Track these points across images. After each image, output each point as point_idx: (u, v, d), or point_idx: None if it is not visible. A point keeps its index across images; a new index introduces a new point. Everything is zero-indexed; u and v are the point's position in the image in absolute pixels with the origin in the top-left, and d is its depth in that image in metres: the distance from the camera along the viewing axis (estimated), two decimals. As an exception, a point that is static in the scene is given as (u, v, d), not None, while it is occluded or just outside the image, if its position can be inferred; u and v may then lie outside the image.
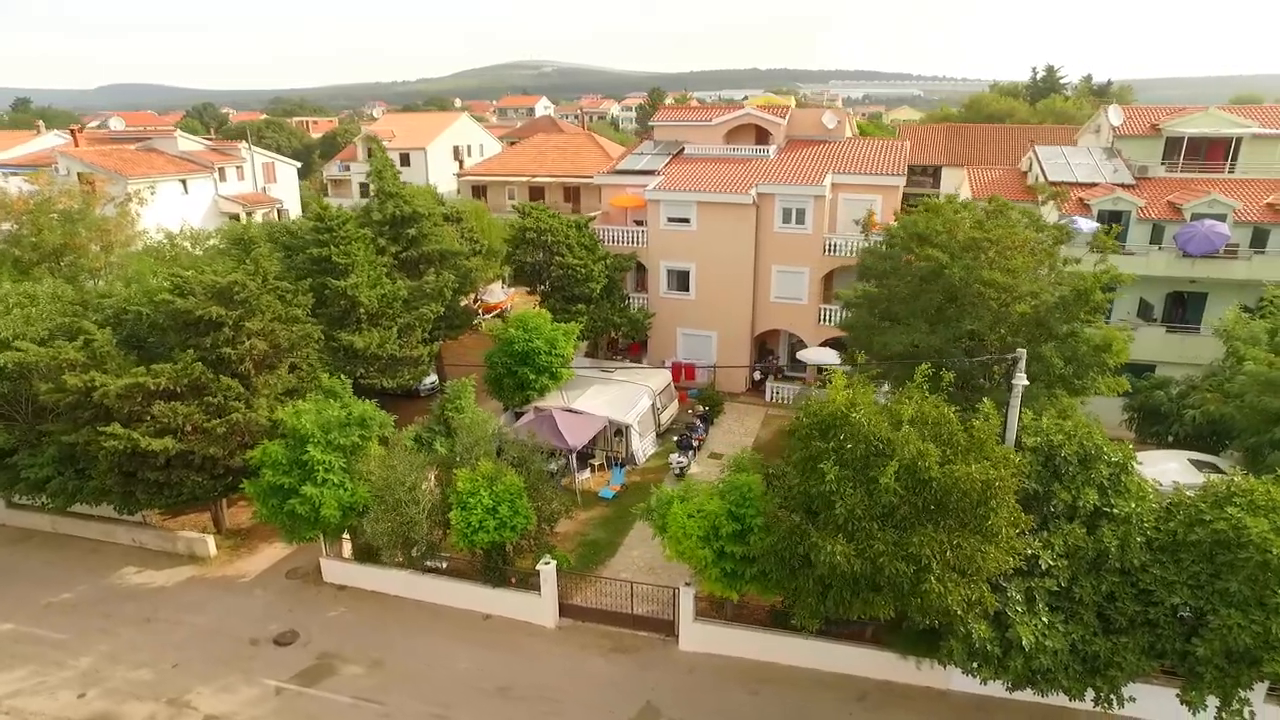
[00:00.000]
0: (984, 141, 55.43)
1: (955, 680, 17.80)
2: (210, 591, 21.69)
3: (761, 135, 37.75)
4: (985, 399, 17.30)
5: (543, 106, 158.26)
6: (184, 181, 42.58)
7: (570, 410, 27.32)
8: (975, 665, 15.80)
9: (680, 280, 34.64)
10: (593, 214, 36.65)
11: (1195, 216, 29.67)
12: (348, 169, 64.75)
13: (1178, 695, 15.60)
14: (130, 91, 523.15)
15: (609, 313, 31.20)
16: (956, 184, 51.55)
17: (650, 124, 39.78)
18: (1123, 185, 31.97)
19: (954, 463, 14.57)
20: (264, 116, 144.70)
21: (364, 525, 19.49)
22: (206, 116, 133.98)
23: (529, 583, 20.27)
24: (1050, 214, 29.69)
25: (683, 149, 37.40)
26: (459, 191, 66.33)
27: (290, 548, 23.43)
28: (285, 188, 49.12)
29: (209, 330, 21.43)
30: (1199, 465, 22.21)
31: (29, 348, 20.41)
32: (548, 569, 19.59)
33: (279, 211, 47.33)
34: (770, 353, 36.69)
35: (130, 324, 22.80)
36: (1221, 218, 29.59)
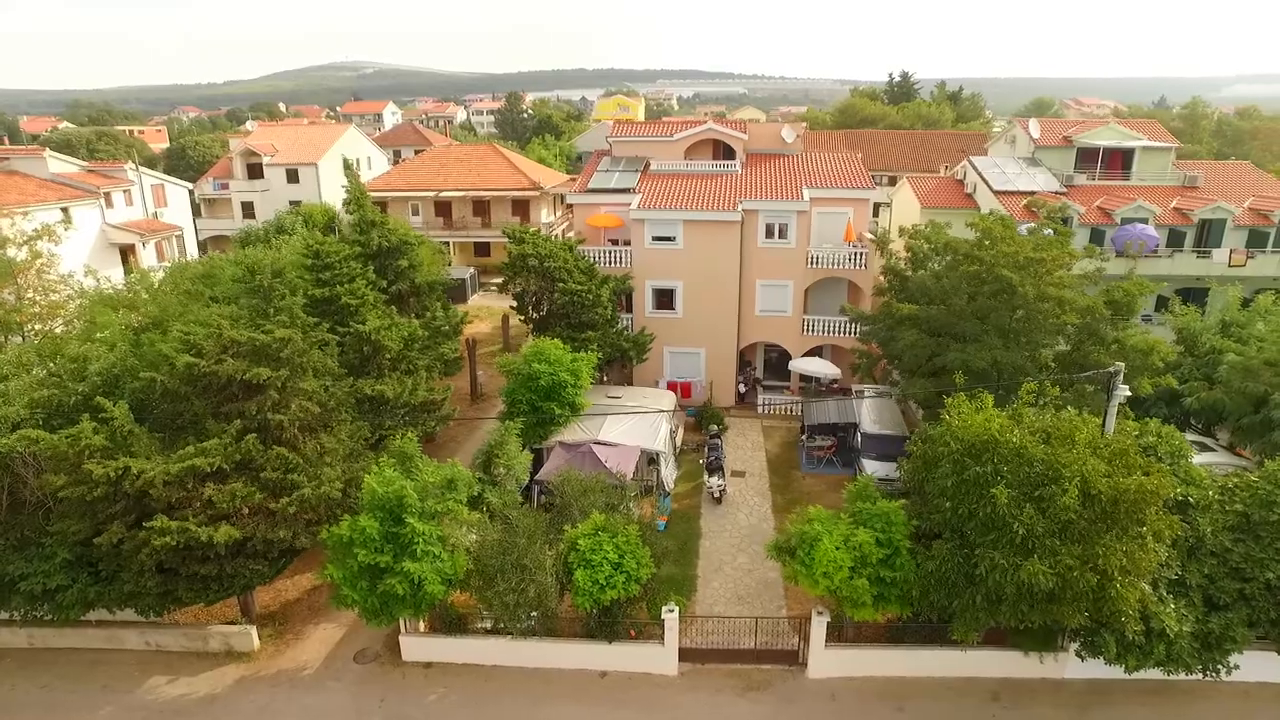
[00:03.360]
0: (885, 148, 59.50)
1: (1068, 670, 19.16)
2: (274, 692, 18.98)
3: (718, 149, 38.29)
4: (1068, 407, 18.78)
5: (390, 112, 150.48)
6: (65, 210, 36.61)
7: (603, 443, 26.48)
8: (1118, 654, 17.17)
9: (666, 299, 34.45)
10: (573, 236, 35.47)
11: (1125, 220, 33.62)
12: (225, 187, 58.60)
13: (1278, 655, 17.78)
14: None
15: (616, 338, 30.48)
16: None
17: (608, 140, 39.06)
18: (1057, 193, 35.57)
19: (1113, 475, 15.70)
20: (64, 123, 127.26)
21: (487, 596, 17.84)
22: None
23: (646, 632, 19.52)
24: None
25: (647, 164, 37.17)
26: (352, 208, 61.91)
27: (343, 628, 21.10)
28: (178, 212, 43.48)
29: (250, 394, 18.77)
30: (1195, 445, 25.31)
31: (40, 435, 16.86)
32: (671, 616, 18.95)
33: (177, 239, 41.89)
34: (749, 364, 37.37)
35: (131, 392, 19.44)
36: (1145, 221, 33.73)
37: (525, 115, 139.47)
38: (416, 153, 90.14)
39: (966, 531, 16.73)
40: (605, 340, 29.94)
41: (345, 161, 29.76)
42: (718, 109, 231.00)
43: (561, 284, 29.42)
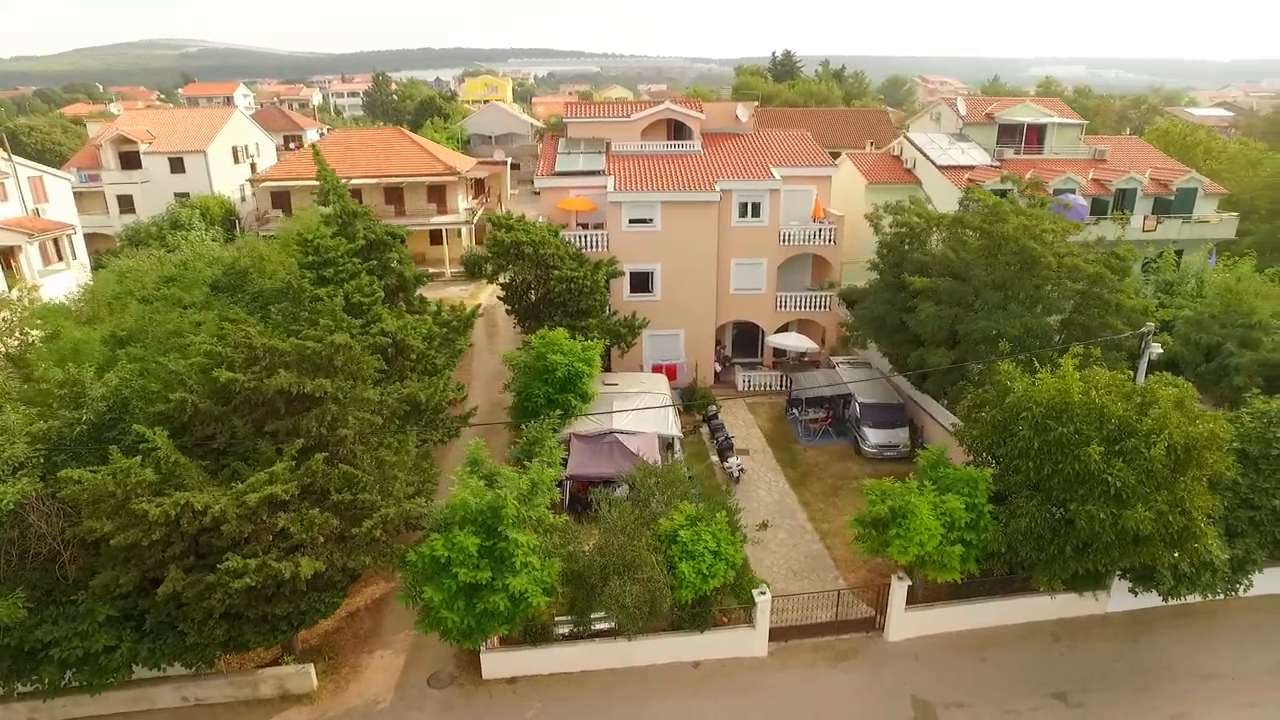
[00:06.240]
0: (794, 126, 61.13)
1: (1111, 604, 21.00)
2: (353, 733, 17.40)
3: (672, 129, 38.09)
4: (1097, 364, 20.41)
5: (241, 95, 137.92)
6: (-67, 210, 31.15)
7: (624, 432, 26.00)
8: (1173, 586, 18.97)
9: (643, 282, 34.07)
10: (543, 220, 34.17)
11: (1057, 191, 36.60)
12: (94, 179, 51.85)
13: (1289, 571, 20.30)
14: None
15: (614, 324, 29.86)
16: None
17: (564, 120, 37.85)
18: (993, 166, 38.20)
19: (1183, 425, 17.22)
20: None
21: (601, 599, 17.12)
22: None
23: (734, 617, 19.50)
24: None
25: (608, 146, 36.41)
26: (244, 199, 56.99)
27: (402, 653, 19.63)
28: (62, 208, 37.84)
29: (296, 409, 16.89)
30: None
31: (80, 474, 14.38)
32: (764, 599, 19.03)
33: (69, 239, 36.61)
34: (719, 343, 37.71)
35: (149, 417, 16.96)
36: (1072, 191, 36.90)
37: (394, 97, 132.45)
38: (288, 139, 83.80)
39: (1050, 488, 17.88)
40: (603, 327, 29.28)
41: (314, 149, 27.15)
42: (582, 88, 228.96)
43: (556, 271, 28.40)
